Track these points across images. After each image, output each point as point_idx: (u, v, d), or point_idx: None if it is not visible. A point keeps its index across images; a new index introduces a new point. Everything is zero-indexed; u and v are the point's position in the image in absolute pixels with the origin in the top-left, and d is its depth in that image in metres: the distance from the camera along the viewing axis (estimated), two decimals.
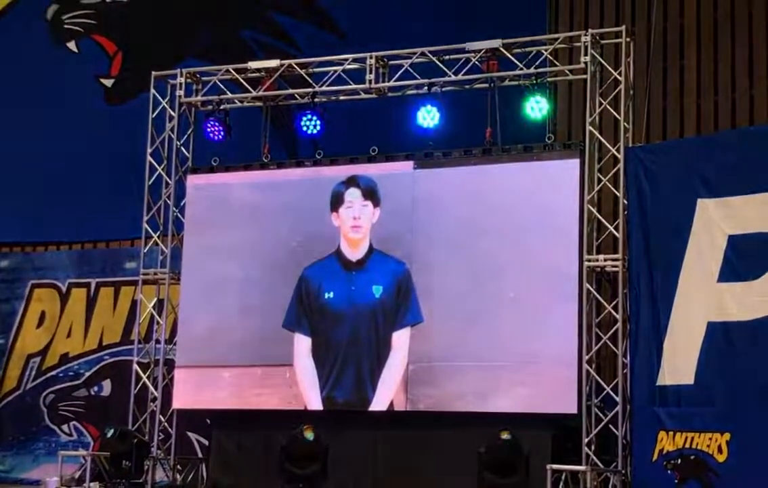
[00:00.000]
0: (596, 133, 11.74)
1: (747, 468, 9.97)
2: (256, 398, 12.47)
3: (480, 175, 12.04)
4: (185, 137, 13.38)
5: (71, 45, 16.30)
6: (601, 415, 11.23)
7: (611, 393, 11.16)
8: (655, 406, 10.72)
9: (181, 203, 13.22)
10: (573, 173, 11.55)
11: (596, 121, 11.76)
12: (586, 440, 11.11)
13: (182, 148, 13.33)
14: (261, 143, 12.98)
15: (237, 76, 13.12)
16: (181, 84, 13.26)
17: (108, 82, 16.04)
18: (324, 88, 12.84)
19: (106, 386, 15.10)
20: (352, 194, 12.39)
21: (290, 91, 13.10)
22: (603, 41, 11.98)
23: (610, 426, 11.12)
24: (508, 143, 12.00)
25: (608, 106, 11.82)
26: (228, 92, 13.22)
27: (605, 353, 11.54)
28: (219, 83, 13.22)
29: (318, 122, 12.71)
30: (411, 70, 12.47)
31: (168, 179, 13.24)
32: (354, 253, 12.33)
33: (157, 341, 13.07)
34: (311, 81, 12.88)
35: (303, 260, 12.47)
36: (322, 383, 12.24)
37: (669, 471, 10.35)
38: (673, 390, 10.64)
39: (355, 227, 12.33)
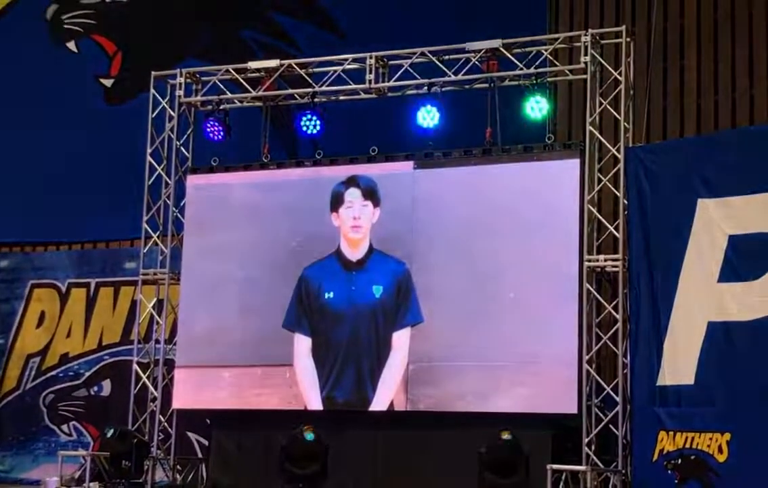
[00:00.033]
0: (596, 133, 11.74)
1: (747, 468, 9.96)
2: (256, 398, 12.47)
3: (480, 175, 12.04)
4: (185, 137, 13.38)
5: (71, 45, 16.29)
6: (601, 415, 11.23)
7: (611, 393, 11.16)
8: (656, 406, 10.71)
9: (181, 203, 13.22)
10: (573, 173, 11.55)
11: (596, 121, 11.76)
12: (587, 440, 11.11)
13: (182, 148, 13.33)
14: (261, 143, 12.97)
15: (237, 76, 13.11)
16: (180, 84, 13.25)
17: (108, 82, 16.04)
18: (324, 88, 12.84)
19: (106, 386, 15.09)
20: (352, 194, 12.38)
21: (290, 91, 13.10)
22: (603, 41, 11.97)
23: (611, 426, 11.12)
24: (508, 143, 11.99)
25: (608, 106, 11.82)
26: (228, 92, 13.21)
27: (605, 353, 11.54)
28: (219, 83, 13.22)
29: (318, 122, 12.70)
30: (411, 70, 12.47)
31: (168, 179, 13.24)
32: (354, 253, 12.33)
33: (157, 342, 13.07)
34: (311, 81, 12.88)
35: (303, 260, 12.47)
36: (322, 383, 12.23)
37: (669, 471, 10.35)
38: (674, 390, 10.64)
39: (355, 227, 12.33)
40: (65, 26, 16.32)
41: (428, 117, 12.27)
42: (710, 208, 10.61)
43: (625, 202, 11.37)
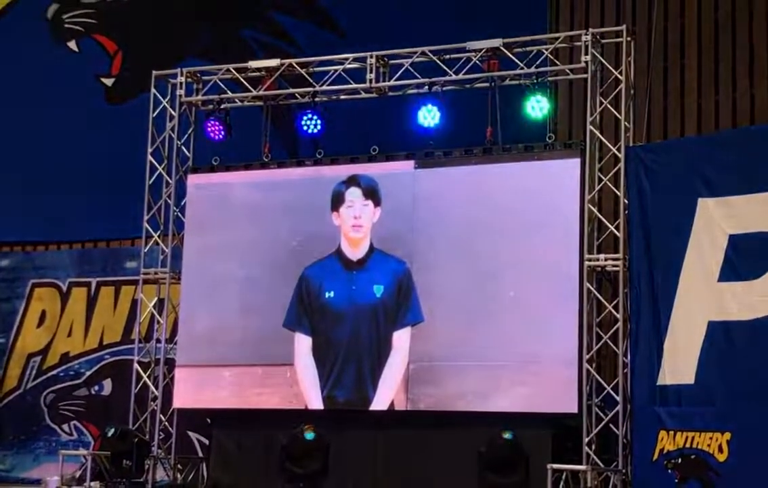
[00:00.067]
0: (597, 132, 11.74)
1: (747, 467, 9.95)
2: (257, 397, 12.47)
3: (481, 174, 12.04)
4: (186, 136, 13.38)
5: (72, 44, 16.30)
6: (601, 415, 11.23)
7: (612, 393, 11.16)
8: (656, 406, 10.71)
9: (182, 203, 13.22)
10: (574, 173, 11.55)
11: (597, 120, 11.75)
12: (587, 439, 11.11)
13: (183, 147, 13.33)
14: (261, 143, 12.96)
15: (237, 75, 13.11)
16: (181, 83, 13.25)
17: (108, 82, 16.06)
18: (324, 87, 12.84)
19: (107, 385, 15.11)
20: (353, 194, 12.38)
21: (291, 90, 13.10)
22: (604, 41, 11.97)
23: (611, 425, 11.13)
24: (508, 143, 11.99)
25: (609, 106, 11.82)
26: (228, 92, 13.21)
27: (606, 353, 11.54)
28: (219, 83, 13.22)
29: (318, 122, 12.71)
30: (411, 70, 12.46)
31: (168, 179, 13.24)
32: (355, 252, 12.34)
33: (158, 341, 13.07)
34: (312, 80, 12.88)
35: (303, 260, 12.47)
36: (323, 382, 12.24)
37: (669, 471, 10.34)
38: (674, 389, 10.64)
39: (356, 226, 12.33)
40: (66, 26, 16.33)
41: (429, 116, 12.27)
42: (711, 207, 10.61)
43: (626, 201, 11.37)
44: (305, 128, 12.78)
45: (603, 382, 11.27)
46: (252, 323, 12.57)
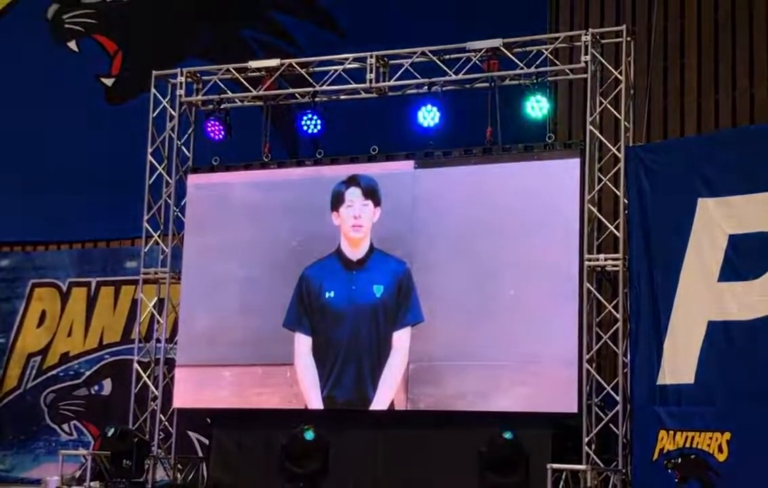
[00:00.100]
0: (597, 132, 11.74)
1: (747, 467, 9.95)
2: (257, 397, 12.47)
3: (480, 174, 12.04)
4: (186, 136, 13.38)
5: (72, 44, 16.31)
6: (601, 414, 11.23)
7: (611, 393, 11.16)
8: (656, 405, 10.71)
9: (182, 203, 13.22)
10: (573, 173, 11.55)
11: (597, 120, 11.76)
12: (587, 439, 11.11)
13: (183, 147, 13.33)
14: (261, 143, 12.96)
15: (237, 75, 13.12)
16: (181, 83, 13.25)
17: (108, 82, 16.06)
18: (324, 87, 12.84)
19: (107, 385, 15.11)
20: (353, 194, 12.39)
21: (291, 90, 13.10)
22: (603, 41, 11.97)
23: (611, 425, 11.12)
24: (508, 143, 11.99)
25: (609, 106, 11.82)
26: (228, 92, 13.21)
27: (605, 353, 11.54)
28: (219, 83, 13.22)
29: (318, 122, 12.71)
30: (411, 70, 12.47)
31: (168, 179, 13.24)
32: (354, 252, 12.34)
33: (158, 341, 13.07)
34: (312, 80, 12.88)
35: (303, 260, 12.47)
36: (323, 382, 12.24)
37: (669, 471, 10.33)
38: (674, 389, 10.63)
39: (356, 226, 12.33)
40: (66, 26, 16.33)
41: (429, 116, 12.27)
42: (710, 207, 10.61)
43: (626, 201, 11.37)
44: (305, 127, 12.78)
45: (603, 382, 11.27)
46: (252, 323, 12.57)
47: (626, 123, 11.56)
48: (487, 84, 12.17)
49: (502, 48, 12.00)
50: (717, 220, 10.54)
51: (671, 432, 10.53)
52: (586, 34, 11.75)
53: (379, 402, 12.00)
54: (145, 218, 13.24)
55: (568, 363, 11.22)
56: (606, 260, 11.43)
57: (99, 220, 15.39)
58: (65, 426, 15.17)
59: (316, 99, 12.80)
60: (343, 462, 11.82)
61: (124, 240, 15.28)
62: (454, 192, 12.09)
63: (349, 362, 12.15)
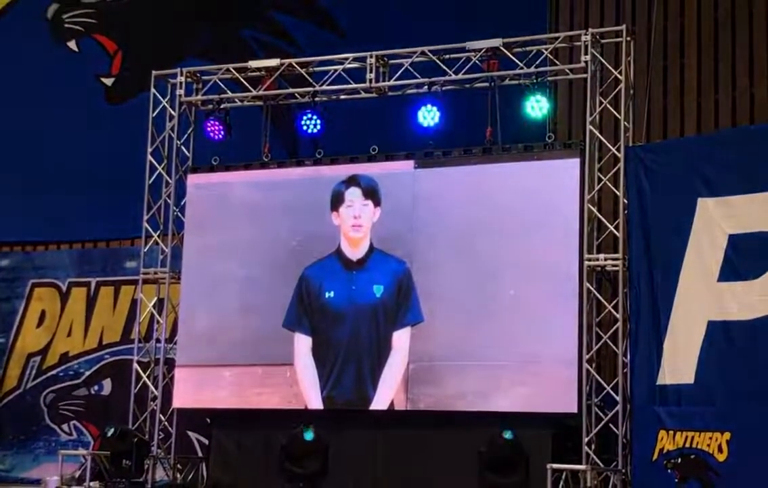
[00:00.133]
0: (596, 132, 11.73)
1: (747, 467, 9.95)
2: (257, 397, 12.47)
3: (480, 174, 12.04)
4: (185, 136, 13.38)
5: (72, 44, 16.31)
6: (601, 414, 11.23)
7: (611, 393, 11.16)
8: (656, 405, 10.71)
9: (182, 203, 13.22)
10: (573, 173, 11.55)
11: (596, 120, 11.75)
12: (587, 439, 11.11)
13: (182, 147, 13.33)
14: (261, 143, 12.96)
15: (237, 75, 13.11)
16: (181, 83, 13.25)
17: (108, 81, 16.06)
18: (324, 87, 12.84)
19: (107, 385, 15.11)
20: (353, 194, 12.38)
21: (290, 90, 13.09)
22: (603, 40, 11.97)
23: (611, 425, 11.12)
24: (508, 143, 11.99)
25: (608, 106, 11.82)
26: (228, 91, 13.21)
27: (605, 353, 11.54)
28: (219, 82, 13.22)
29: (318, 121, 12.71)
30: (411, 70, 12.47)
31: (168, 179, 13.24)
32: (354, 252, 12.33)
33: (158, 341, 13.07)
34: (311, 80, 12.88)
35: (303, 260, 12.47)
36: (323, 382, 12.23)
37: (669, 471, 10.33)
38: (674, 389, 10.63)
39: (356, 226, 12.33)
40: (66, 25, 16.33)
41: (429, 116, 12.27)
42: (710, 207, 10.61)
43: (625, 201, 11.37)
44: (305, 127, 12.79)
45: (603, 382, 11.26)
46: (252, 323, 12.57)
47: (626, 123, 11.56)
48: (487, 84, 12.17)
49: (502, 48, 12.00)
50: (717, 220, 10.54)
51: (671, 432, 10.53)
52: (585, 34, 11.75)
53: (379, 402, 11.99)
54: (145, 218, 13.24)
55: (568, 363, 11.22)
56: (606, 260, 11.43)
57: (99, 220, 15.39)
58: (65, 426, 15.17)
59: (316, 99, 12.80)
60: (343, 462, 11.82)
61: (123, 240, 15.28)
62: (453, 192, 12.09)
63: (349, 363, 12.15)
